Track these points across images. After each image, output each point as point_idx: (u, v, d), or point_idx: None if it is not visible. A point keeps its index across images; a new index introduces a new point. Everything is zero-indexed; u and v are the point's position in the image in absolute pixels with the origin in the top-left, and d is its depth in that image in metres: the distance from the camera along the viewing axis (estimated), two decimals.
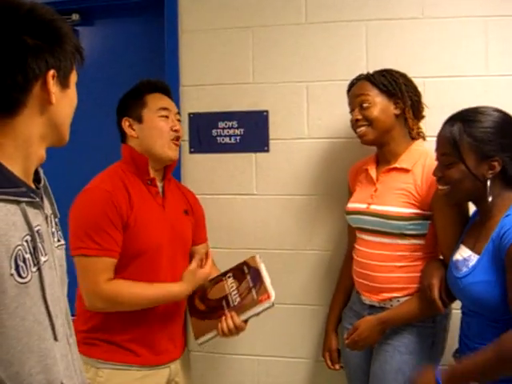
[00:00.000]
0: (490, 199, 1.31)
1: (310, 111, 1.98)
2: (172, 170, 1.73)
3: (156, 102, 1.65)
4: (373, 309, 1.63)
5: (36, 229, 0.88)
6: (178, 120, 1.70)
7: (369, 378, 1.66)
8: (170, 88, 1.74)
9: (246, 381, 2.08)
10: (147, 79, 1.70)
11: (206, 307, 1.60)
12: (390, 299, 1.59)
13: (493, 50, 1.83)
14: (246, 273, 1.62)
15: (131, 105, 1.65)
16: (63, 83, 0.92)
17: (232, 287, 1.60)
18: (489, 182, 1.31)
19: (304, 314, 2.01)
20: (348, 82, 1.73)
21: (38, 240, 0.87)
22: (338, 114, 1.92)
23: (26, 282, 0.83)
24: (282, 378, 2.05)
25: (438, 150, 1.41)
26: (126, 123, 1.64)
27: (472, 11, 1.84)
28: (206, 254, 1.69)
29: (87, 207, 1.52)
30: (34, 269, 0.85)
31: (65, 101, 0.93)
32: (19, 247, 0.82)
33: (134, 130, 1.63)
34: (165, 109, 1.65)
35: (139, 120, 1.63)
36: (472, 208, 1.49)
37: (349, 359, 1.74)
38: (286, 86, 1.99)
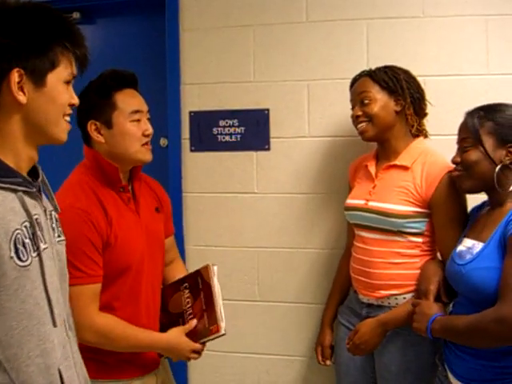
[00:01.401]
0: (509, 186, 1.30)
1: (310, 110, 1.98)
2: (141, 169, 1.58)
3: (127, 103, 1.47)
4: (371, 307, 1.63)
5: (35, 217, 0.90)
6: (148, 119, 1.54)
7: (360, 374, 1.68)
8: (137, 78, 1.54)
9: (247, 379, 2.08)
10: (112, 70, 1.50)
11: (167, 321, 1.56)
12: (388, 297, 1.58)
13: (493, 49, 1.83)
14: (200, 288, 1.57)
15: (98, 106, 1.45)
16: (38, 82, 0.91)
17: (187, 303, 1.57)
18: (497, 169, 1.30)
19: (304, 313, 2.02)
20: (349, 81, 1.74)
21: (37, 227, 0.90)
22: (338, 112, 1.92)
23: (26, 266, 0.86)
24: (282, 377, 2.05)
25: (458, 136, 1.41)
26: (92, 127, 1.45)
27: (473, 10, 1.84)
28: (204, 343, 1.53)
29: (64, 230, 1.40)
30: (34, 254, 0.88)
31: (41, 99, 0.93)
32: (18, 231, 0.85)
33: (101, 135, 1.46)
34: (137, 111, 1.48)
35: (108, 125, 1.45)
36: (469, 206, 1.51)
37: (341, 355, 1.73)
38: (286, 84, 1.99)
